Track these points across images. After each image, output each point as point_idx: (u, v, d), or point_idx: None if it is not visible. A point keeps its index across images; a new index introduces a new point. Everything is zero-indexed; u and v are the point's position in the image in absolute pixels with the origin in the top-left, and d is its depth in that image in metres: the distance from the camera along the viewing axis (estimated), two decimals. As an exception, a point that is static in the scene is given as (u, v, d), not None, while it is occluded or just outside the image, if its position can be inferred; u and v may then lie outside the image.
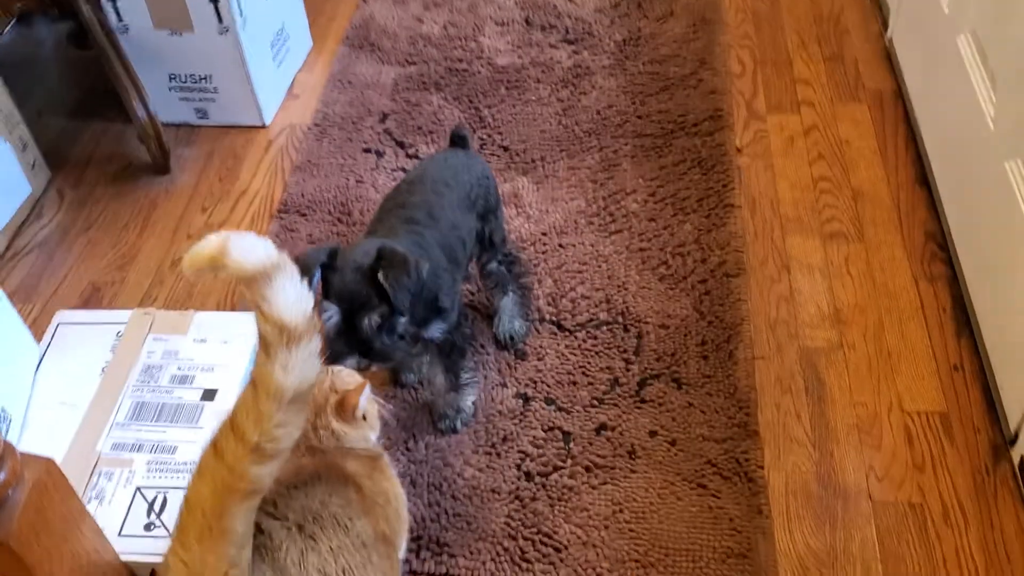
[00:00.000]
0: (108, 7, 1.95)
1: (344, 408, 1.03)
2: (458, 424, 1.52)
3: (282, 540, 0.86)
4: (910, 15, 2.00)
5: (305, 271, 1.11)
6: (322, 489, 0.93)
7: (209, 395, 1.13)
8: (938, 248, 1.72)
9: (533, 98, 2.13)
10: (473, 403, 1.53)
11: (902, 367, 1.56)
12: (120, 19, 1.97)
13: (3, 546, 0.77)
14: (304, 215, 1.91)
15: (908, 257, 1.72)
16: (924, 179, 1.84)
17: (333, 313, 1.13)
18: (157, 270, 1.83)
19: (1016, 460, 1.39)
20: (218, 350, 1.17)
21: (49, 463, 0.85)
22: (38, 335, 1.20)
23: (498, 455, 1.48)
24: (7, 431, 1.07)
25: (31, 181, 1.96)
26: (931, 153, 1.82)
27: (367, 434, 1.10)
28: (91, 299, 1.77)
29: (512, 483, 1.44)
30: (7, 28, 2.14)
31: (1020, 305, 1.39)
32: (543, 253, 1.78)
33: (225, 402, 1.12)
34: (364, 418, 1.03)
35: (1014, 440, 1.40)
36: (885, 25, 2.17)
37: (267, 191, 1.98)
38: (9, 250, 1.88)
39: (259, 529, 0.85)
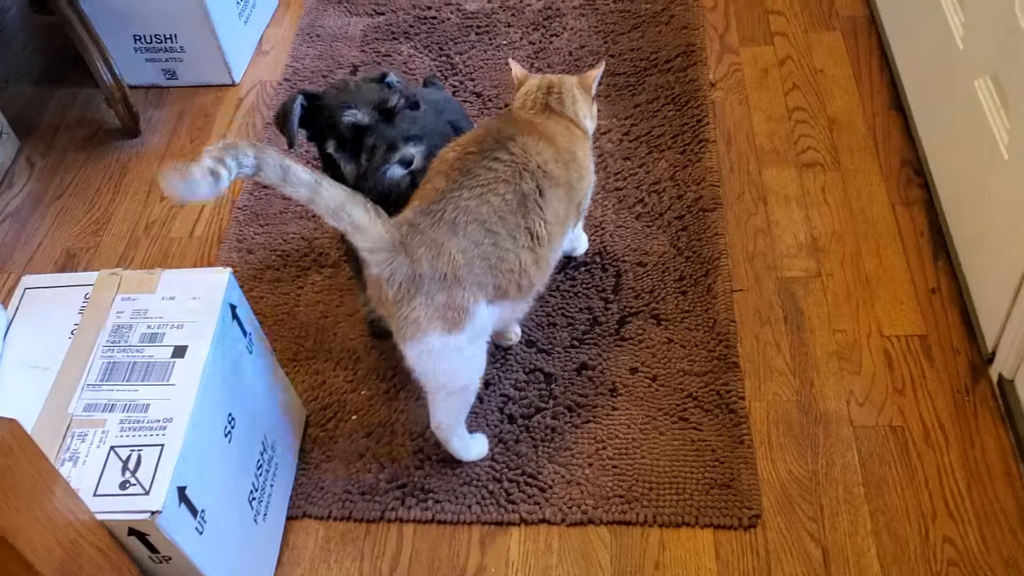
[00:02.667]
0: (66, -30, 1.91)
1: (586, 81, 1.42)
2: None
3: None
4: (882, -63, 1.96)
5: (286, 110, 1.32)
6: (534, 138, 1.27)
7: (179, 352, 1.12)
8: (914, 173, 1.71)
9: (504, 42, 2.10)
10: None
11: (880, 292, 1.55)
12: (80, -16, 1.93)
13: (-30, 507, 0.77)
14: (277, 172, 1.89)
15: (884, 183, 1.71)
16: (899, 104, 1.82)
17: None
18: (131, 233, 1.82)
19: (994, 378, 1.40)
20: (187, 306, 1.16)
21: (12, 424, 0.85)
22: (8, 303, 1.20)
23: (480, 400, 1.48)
24: (-22, 397, 1.07)
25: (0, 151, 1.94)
26: (905, 78, 1.80)
27: (589, 111, 1.43)
28: (66, 266, 1.76)
29: (495, 426, 1.45)
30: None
31: (993, 225, 1.38)
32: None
33: (196, 359, 1.11)
34: (593, 101, 1.42)
35: (991, 359, 1.40)
36: (858, -50, 2.13)
37: (239, 150, 1.96)
38: (-18, 222, 1.87)
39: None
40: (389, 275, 1.12)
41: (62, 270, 1.75)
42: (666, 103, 1.90)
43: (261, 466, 1.28)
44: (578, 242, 1.63)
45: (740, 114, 1.88)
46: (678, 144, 1.81)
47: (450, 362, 1.21)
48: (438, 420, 1.33)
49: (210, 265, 1.74)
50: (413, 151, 1.31)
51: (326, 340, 1.60)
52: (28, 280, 1.22)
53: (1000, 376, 1.37)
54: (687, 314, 1.55)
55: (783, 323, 1.54)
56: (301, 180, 1.04)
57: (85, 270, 1.75)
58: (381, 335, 1.58)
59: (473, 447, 1.39)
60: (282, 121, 1.35)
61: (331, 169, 1.38)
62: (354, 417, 1.49)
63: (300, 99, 1.34)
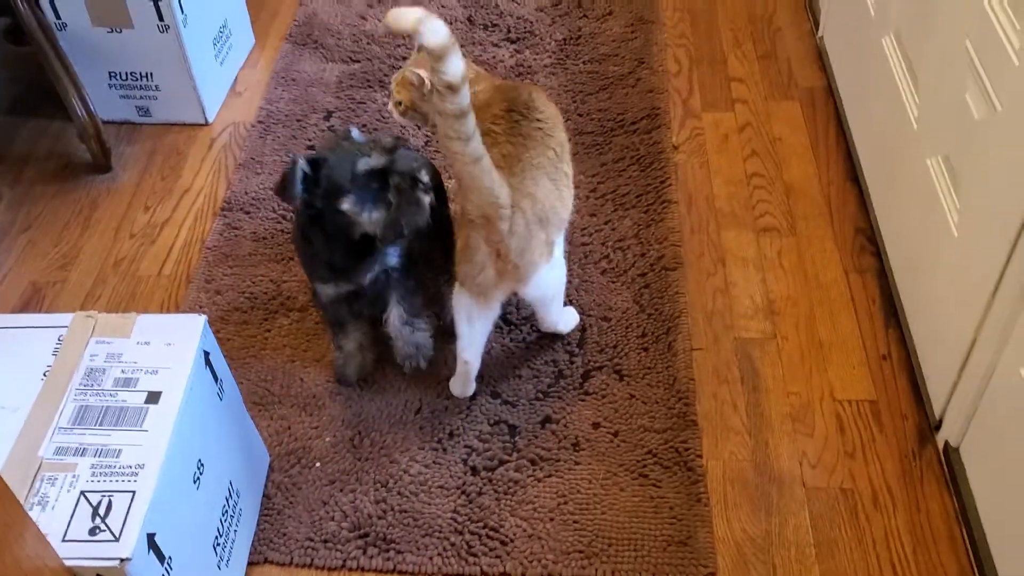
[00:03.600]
0: (46, 4, 1.93)
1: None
2: (421, 361, 1.59)
3: None
4: (839, 16, 2.06)
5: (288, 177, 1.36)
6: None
7: (153, 398, 1.13)
8: (867, 242, 1.79)
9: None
10: (431, 338, 1.60)
11: (833, 357, 1.61)
12: (58, 16, 1.95)
13: (-55, 554, 0.78)
14: (248, 213, 1.91)
15: (839, 250, 1.78)
16: (854, 175, 1.90)
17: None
18: (99, 270, 1.82)
19: (940, 445, 1.46)
20: (162, 352, 1.17)
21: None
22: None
23: (444, 451, 1.50)
24: (-52, 437, 1.06)
25: (-34, 182, 1.93)
26: (860, 150, 1.88)
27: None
28: (31, 300, 1.76)
29: (459, 478, 1.47)
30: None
31: (942, 295, 1.45)
32: (487, 250, 1.81)
33: (169, 405, 1.12)
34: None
35: (938, 426, 1.46)
36: (816, 25, 2.23)
37: (211, 189, 1.98)
38: (-55, 252, 1.85)
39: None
40: (510, 227, 1.34)
41: (27, 304, 1.74)
42: (631, 163, 1.96)
43: (226, 511, 1.28)
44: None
45: (701, 177, 1.94)
46: (642, 203, 1.87)
47: (554, 280, 1.52)
48: (552, 320, 1.62)
49: (178, 305, 1.75)
50: (427, 177, 1.38)
51: (292, 385, 1.61)
52: (1, 319, 1.22)
53: (946, 443, 1.43)
54: (648, 371, 1.59)
55: (740, 383, 1.59)
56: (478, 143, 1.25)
57: (51, 305, 1.74)
58: (346, 382, 1.60)
59: (574, 315, 1.67)
60: (284, 187, 1.35)
61: (307, 240, 1.46)
62: (318, 464, 1.50)
63: (302, 163, 1.34)
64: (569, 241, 1.80)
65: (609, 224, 1.84)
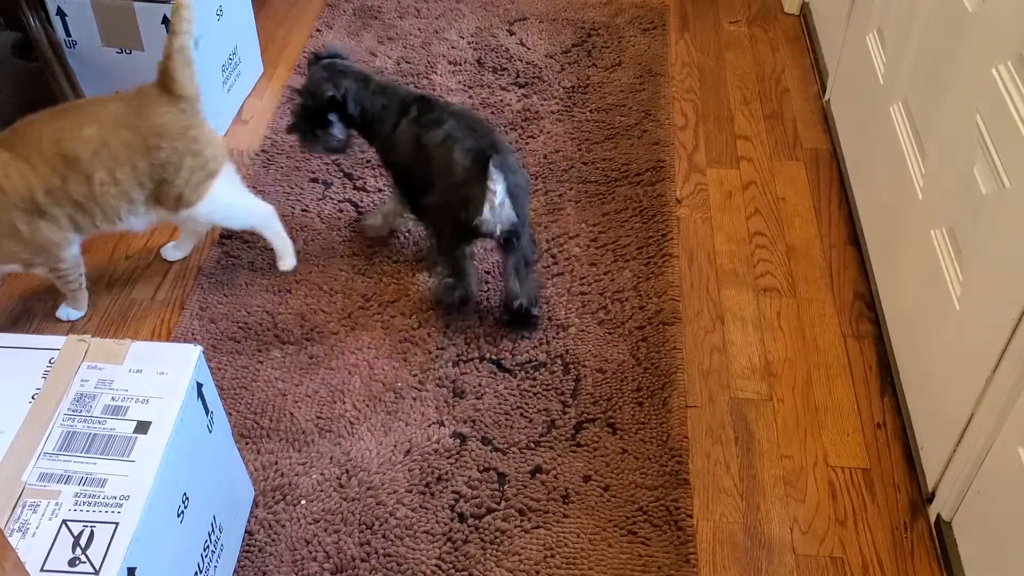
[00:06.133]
0: (57, 21, 1.93)
1: None
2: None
3: None
4: (847, 80, 2.08)
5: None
6: None
7: (143, 427, 1.11)
8: (866, 307, 1.79)
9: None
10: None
11: (828, 422, 1.61)
12: (68, 34, 1.95)
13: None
14: (247, 243, 1.90)
15: (837, 314, 1.78)
16: (855, 239, 1.91)
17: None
18: (93, 290, 1.79)
19: (932, 518, 1.44)
20: (155, 381, 1.15)
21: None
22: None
23: (432, 495, 1.48)
24: (-71, 457, 1.04)
25: (-36, 193, 1.91)
26: (862, 215, 1.89)
27: None
28: (21, 317, 1.73)
29: (445, 524, 1.44)
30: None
31: (941, 368, 1.45)
32: (484, 292, 1.80)
33: (158, 436, 1.10)
34: None
35: (931, 498, 1.45)
36: (824, 88, 2.25)
37: (210, 216, 1.96)
38: (-63, 263, 1.83)
39: None
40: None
41: (17, 321, 1.72)
42: (633, 215, 1.96)
43: (208, 547, 1.25)
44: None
45: (703, 233, 1.94)
46: (643, 256, 1.87)
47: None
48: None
49: (170, 331, 1.73)
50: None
51: (282, 419, 1.59)
52: (-7, 338, 1.20)
53: (939, 517, 1.42)
54: (642, 426, 1.58)
55: (734, 443, 1.57)
56: None
57: (41, 324, 1.72)
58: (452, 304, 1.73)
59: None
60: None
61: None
62: (303, 502, 1.47)
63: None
64: (567, 289, 1.80)
65: (608, 275, 1.83)
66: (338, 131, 1.74)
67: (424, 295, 1.79)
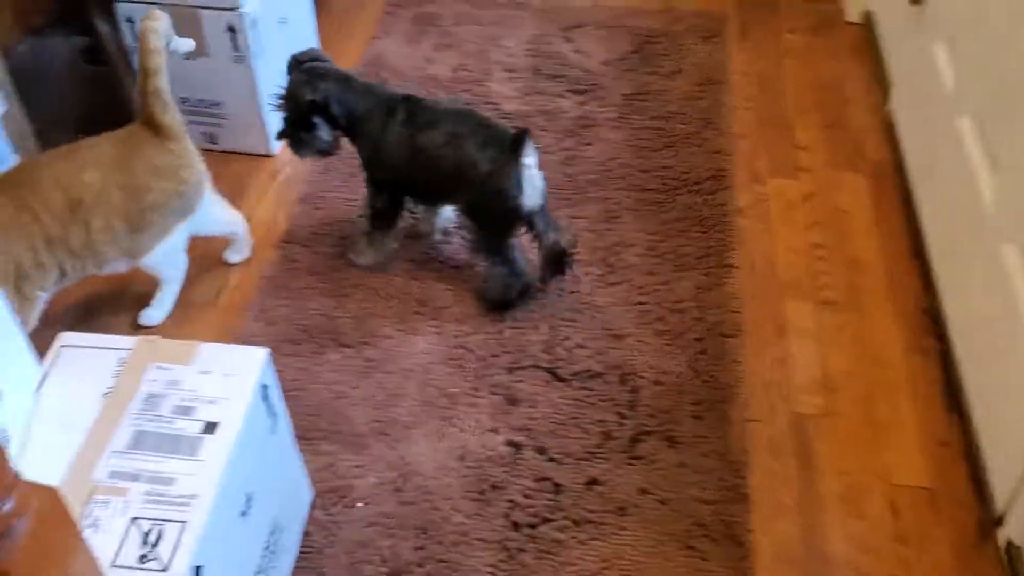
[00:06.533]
0: (125, 27, 1.96)
1: None
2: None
3: None
4: (912, 90, 2.04)
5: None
6: None
7: (210, 428, 1.12)
8: (931, 322, 1.75)
9: (537, 145, 2.14)
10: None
11: (890, 439, 1.57)
12: (136, 40, 1.98)
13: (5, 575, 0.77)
14: (307, 246, 1.92)
15: (900, 329, 1.74)
16: (919, 252, 1.87)
17: None
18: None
19: (1003, 543, 1.40)
20: (221, 383, 1.17)
21: (53, 493, 0.85)
22: (40, 350, 1.20)
23: (487, 503, 1.48)
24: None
25: (33, 194, 1.95)
26: (927, 228, 1.86)
27: None
28: (91, 314, 1.77)
29: (500, 532, 1.44)
30: (24, 42, 2.14)
31: (1012, 388, 1.41)
32: (540, 299, 1.79)
33: (225, 437, 1.12)
34: None
35: (1000, 522, 1.41)
36: (887, 97, 2.21)
37: (271, 220, 1.99)
38: (7, 262, 1.87)
39: None
40: None
41: (87, 317, 1.75)
42: (693, 224, 1.94)
43: (268, 547, 1.27)
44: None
45: (764, 243, 1.92)
46: (702, 266, 1.85)
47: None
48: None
49: (231, 331, 1.75)
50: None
51: (338, 422, 1.60)
52: (66, 337, 1.23)
53: (1009, 542, 1.38)
54: (701, 439, 1.56)
55: (794, 458, 1.55)
56: None
57: (109, 321, 1.75)
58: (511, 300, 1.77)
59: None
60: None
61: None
62: (359, 504, 1.48)
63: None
64: (625, 298, 1.79)
65: (667, 285, 1.82)
66: (324, 133, 1.75)
67: (478, 300, 1.79)
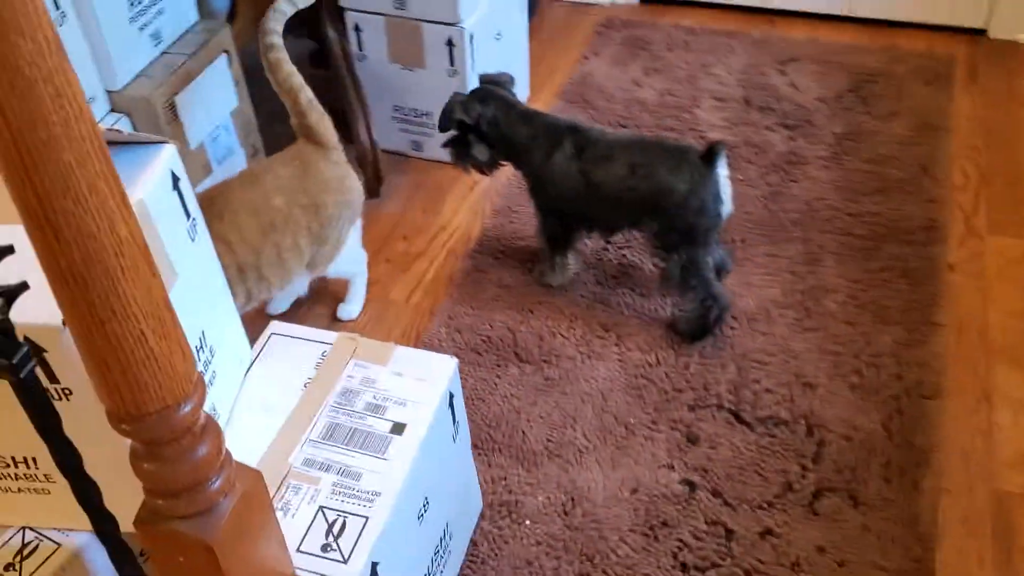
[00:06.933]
0: (352, 36, 2.07)
1: None
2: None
3: None
4: None
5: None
6: None
7: (398, 428, 1.16)
8: None
9: (741, 178, 2.10)
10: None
11: (1108, 534, 1.43)
12: (360, 48, 2.09)
13: (209, 550, 0.82)
14: (497, 258, 1.95)
15: None
16: None
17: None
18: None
19: None
20: (412, 386, 1.20)
21: (257, 475, 0.90)
22: (251, 336, 1.28)
23: (656, 539, 1.45)
24: (213, 428, 1.13)
25: (254, 185, 2.09)
26: None
27: None
28: (293, 308, 1.87)
29: (666, 571, 1.41)
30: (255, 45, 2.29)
31: None
32: (730, 338, 1.75)
33: (412, 439, 1.15)
34: None
35: None
36: None
37: (465, 229, 2.04)
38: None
39: None
40: None
41: (289, 310, 1.85)
42: (899, 275, 1.84)
43: (438, 551, 1.29)
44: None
45: (976, 304, 1.79)
46: (906, 320, 1.75)
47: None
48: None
49: (419, 335, 1.80)
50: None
51: (514, 436, 1.61)
52: (275, 326, 1.30)
53: None
54: (888, 503, 1.47)
55: (991, 539, 1.44)
56: None
57: (307, 314, 1.85)
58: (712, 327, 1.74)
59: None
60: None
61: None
62: (527, 522, 1.49)
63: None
64: (819, 347, 1.71)
65: (866, 337, 1.73)
66: (480, 153, 1.77)
67: (673, 328, 1.76)
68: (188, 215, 1.06)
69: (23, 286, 0.69)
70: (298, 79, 1.60)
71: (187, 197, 1.05)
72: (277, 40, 1.59)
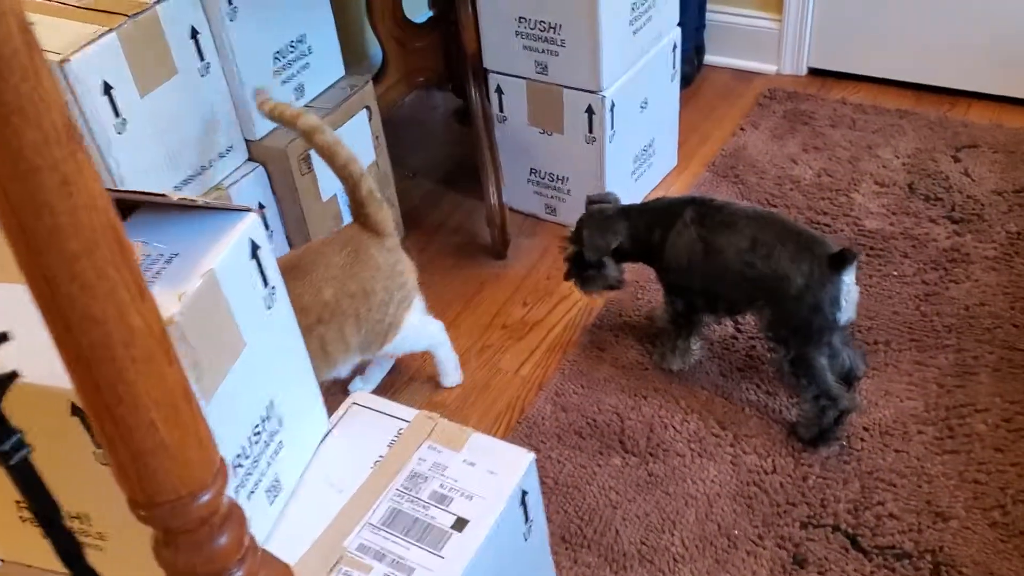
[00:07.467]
0: (494, 98, 2.06)
1: None
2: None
3: None
4: None
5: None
6: None
7: (460, 524, 1.09)
8: None
9: (894, 272, 1.93)
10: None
11: None
12: (501, 110, 2.07)
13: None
14: (617, 336, 1.87)
15: None
16: None
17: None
18: (467, 350, 1.87)
19: None
20: (483, 479, 1.14)
21: (285, 568, 0.86)
22: (327, 402, 1.25)
23: (744, 671, 1.31)
24: (275, 499, 1.11)
25: (385, 237, 2.10)
26: None
27: None
28: (398, 366, 1.85)
29: None
30: (406, 99, 2.33)
31: None
32: (858, 450, 1.59)
33: (472, 539, 1.08)
34: None
35: None
36: None
37: (587, 302, 1.97)
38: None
39: None
40: None
41: (393, 368, 1.84)
42: (1067, 402, 1.62)
43: (497, 656, 1.21)
44: None
45: None
46: (1069, 456, 1.54)
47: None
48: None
49: (523, 408, 1.74)
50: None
51: (606, 533, 1.52)
52: (357, 396, 1.27)
53: None
54: (1023, 673, 1.27)
55: None
56: None
57: (404, 373, 1.82)
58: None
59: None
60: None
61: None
62: (606, 630, 1.39)
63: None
64: (959, 473, 1.53)
65: (1017, 467, 1.53)
66: (612, 271, 1.71)
67: (790, 433, 1.62)
68: (266, 283, 1.04)
69: (13, 375, 0.67)
70: (358, 167, 1.52)
71: (266, 265, 1.03)
72: (326, 129, 1.53)
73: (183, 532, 0.76)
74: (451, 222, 2.22)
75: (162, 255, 0.94)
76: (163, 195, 0.91)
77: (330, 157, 1.52)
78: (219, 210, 1.02)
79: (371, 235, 1.56)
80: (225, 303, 0.96)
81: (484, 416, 1.74)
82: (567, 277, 1.77)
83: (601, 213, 1.70)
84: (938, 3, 2.36)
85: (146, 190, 1.26)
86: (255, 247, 1.01)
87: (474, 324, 1.94)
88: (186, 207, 1.02)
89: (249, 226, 1.00)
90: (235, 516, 0.79)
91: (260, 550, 0.84)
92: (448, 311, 1.97)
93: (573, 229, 1.74)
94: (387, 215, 1.58)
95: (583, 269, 1.73)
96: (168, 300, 0.89)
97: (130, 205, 1.02)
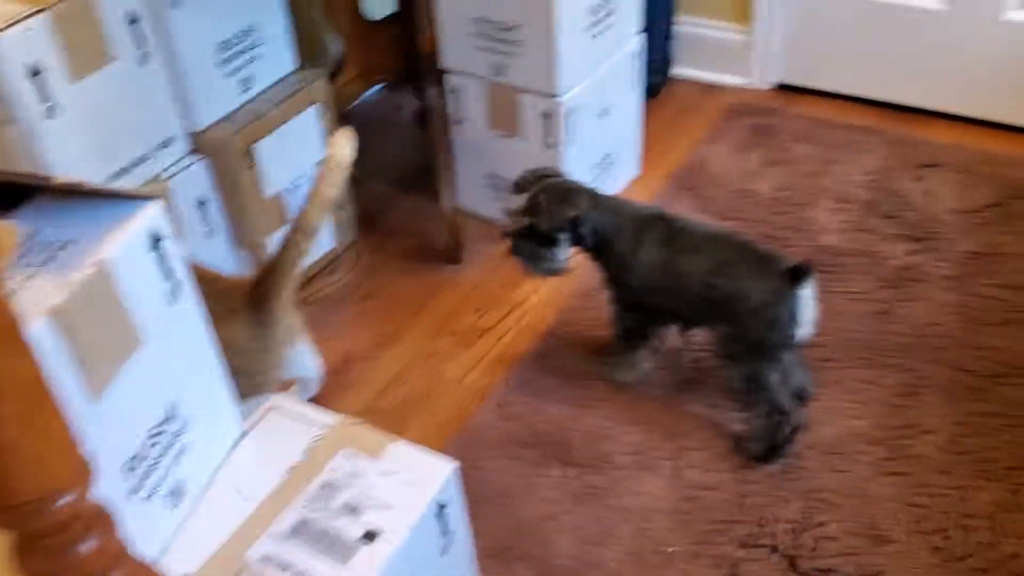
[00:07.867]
0: (451, 99, 2.02)
1: None
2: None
3: None
4: None
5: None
6: None
7: (370, 536, 1.05)
8: None
9: (850, 289, 1.90)
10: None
11: None
12: (458, 112, 2.04)
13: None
14: (567, 345, 1.84)
15: None
16: None
17: None
18: (412, 357, 1.83)
19: None
20: (398, 489, 1.10)
21: (161, 578, 0.81)
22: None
23: None
24: (177, 505, 1.06)
25: (336, 237, 2.06)
26: None
27: None
28: (340, 369, 1.81)
29: None
30: (369, 97, 2.29)
31: None
32: (801, 468, 1.56)
33: (379, 553, 1.04)
34: None
35: None
36: None
37: (541, 310, 1.93)
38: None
39: None
40: None
41: (336, 371, 1.79)
42: (1013, 424, 1.60)
43: (412, 673, 1.17)
44: None
45: (1105, 471, 1.53)
46: (1010, 479, 1.51)
47: None
48: None
49: (466, 415, 1.70)
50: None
51: (540, 547, 1.48)
52: (277, 399, 1.23)
53: None
54: None
55: None
56: None
57: (355, 380, 1.78)
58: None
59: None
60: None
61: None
62: (532, 647, 1.35)
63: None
64: (900, 496, 1.50)
65: (960, 491, 1.50)
66: (562, 253, 1.61)
67: (738, 448, 1.59)
68: (168, 277, 1.00)
69: None
70: (308, 243, 1.29)
71: (170, 258, 0.99)
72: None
73: (41, 537, 0.72)
74: (407, 226, 2.18)
75: (52, 243, 0.90)
76: (47, 178, 0.86)
77: (301, 219, 1.28)
78: (128, 198, 0.98)
79: (250, 309, 1.30)
80: (118, 296, 0.91)
81: (424, 425, 1.70)
82: (513, 252, 1.64)
83: (564, 184, 1.62)
84: (905, 23, 2.34)
85: (28, 172, 1.21)
86: (157, 238, 0.97)
87: (422, 330, 1.90)
88: (94, 193, 0.98)
89: (150, 217, 0.96)
90: (102, 521, 0.75)
91: (134, 559, 0.80)
92: (397, 316, 1.93)
93: (525, 201, 1.60)
94: (285, 304, 1.33)
95: (533, 244, 1.61)
96: (54, 289, 0.85)
97: (31, 189, 0.97)
